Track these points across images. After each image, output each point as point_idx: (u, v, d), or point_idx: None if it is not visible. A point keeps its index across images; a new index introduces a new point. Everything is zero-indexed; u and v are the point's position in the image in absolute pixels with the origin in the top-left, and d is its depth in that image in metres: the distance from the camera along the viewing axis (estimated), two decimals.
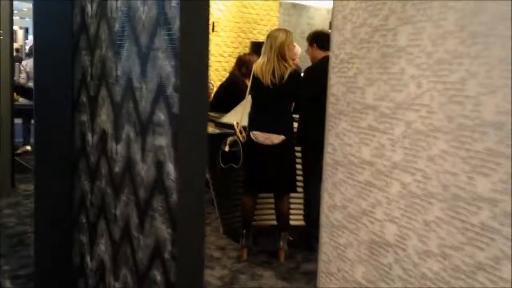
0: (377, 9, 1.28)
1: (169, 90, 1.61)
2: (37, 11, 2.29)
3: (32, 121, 5.70)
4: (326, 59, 3.48)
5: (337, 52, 1.44)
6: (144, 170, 1.78)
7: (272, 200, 3.59)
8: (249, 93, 3.38)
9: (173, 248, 1.61)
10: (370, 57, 1.30)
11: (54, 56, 2.32)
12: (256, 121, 3.32)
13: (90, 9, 2.17)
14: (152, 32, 1.69)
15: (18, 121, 5.94)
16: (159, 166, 1.69)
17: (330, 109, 1.48)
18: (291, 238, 3.59)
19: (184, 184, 1.57)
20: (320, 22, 8.12)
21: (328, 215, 1.47)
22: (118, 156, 1.98)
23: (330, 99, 1.48)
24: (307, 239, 3.67)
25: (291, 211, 3.72)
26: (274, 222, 3.61)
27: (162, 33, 1.63)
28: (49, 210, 2.37)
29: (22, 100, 6.23)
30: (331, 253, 1.34)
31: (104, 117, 2.08)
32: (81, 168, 2.33)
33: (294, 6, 8.10)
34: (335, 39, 1.45)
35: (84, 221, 2.33)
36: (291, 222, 3.70)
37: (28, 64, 6.08)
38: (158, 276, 1.71)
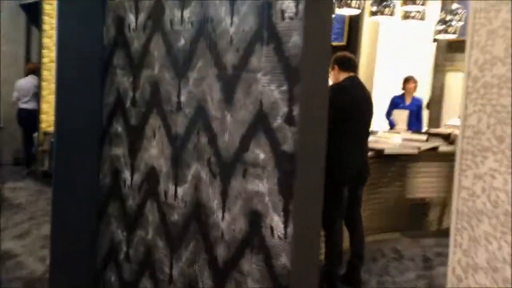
0: None
1: (276, 121, 1.27)
2: (61, 23, 1.88)
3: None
4: (348, 79, 3.28)
5: (478, 74, 1.18)
6: (227, 222, 1.41)
7: None
8: None
9: None
10: None
11: (78, 75, 1.90)
12: None
13: (133, 20, 1.79)
14: (247, 49, 1.34)
15: None
16: (255, 217, 1.33)
17: (465, 144, 1.21)
18: None
19: (299, 243, 1.22)
20: None
21: (465, 277, 1.19)
22: (178, 201, 1.59)
23: (465, 132, 1.21)
24: (329, 278, 3.34)
25: None
26: None
27: (266, 50, 1.29)
28: (67, 263, 1.91)
29: None
30: None
31: (154, 152, 1.69)
32: (111, 213, 1.90)
33: None
34: (474, 59, 1.19)
35: (113, 278, 1.89)
36: None
37: (18, 83, 5.41)
38: None
